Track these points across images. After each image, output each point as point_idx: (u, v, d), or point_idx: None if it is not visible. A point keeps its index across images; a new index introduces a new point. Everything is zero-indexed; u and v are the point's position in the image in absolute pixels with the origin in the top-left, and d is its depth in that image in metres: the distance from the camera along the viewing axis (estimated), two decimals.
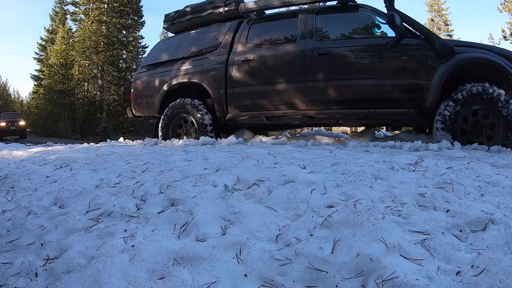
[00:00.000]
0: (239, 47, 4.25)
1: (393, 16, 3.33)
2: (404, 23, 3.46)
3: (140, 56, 30.73)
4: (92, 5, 26.34)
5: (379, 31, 3.89)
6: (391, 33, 3.65)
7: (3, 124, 19.13)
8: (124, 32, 27.76)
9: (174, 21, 4.97)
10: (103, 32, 25.59)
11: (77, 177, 2.43)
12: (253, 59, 4.09)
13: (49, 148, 4.62)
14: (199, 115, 4.34)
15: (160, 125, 4.63)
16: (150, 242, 1.48)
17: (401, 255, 1.31)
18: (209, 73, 4.32)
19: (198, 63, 4.45)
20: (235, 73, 4.17)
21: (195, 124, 4.41)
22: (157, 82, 4.72)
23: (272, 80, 3.98)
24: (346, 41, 3.84)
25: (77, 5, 28.42)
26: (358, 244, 1.38)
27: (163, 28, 5.27)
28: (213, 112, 4.37)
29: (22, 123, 20.23)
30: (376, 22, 3.84)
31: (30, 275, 1.38)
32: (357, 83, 3.61)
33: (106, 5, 26.05)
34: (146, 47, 31.55)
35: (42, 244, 1.58)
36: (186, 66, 4.51)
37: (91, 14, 25.77)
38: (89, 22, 25.71)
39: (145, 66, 5.06)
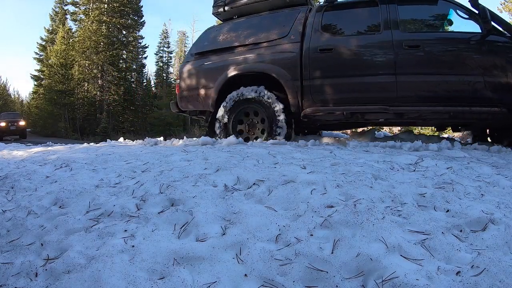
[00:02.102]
0: (313, 35, 3.84)
1: (486, 10, 3.24)
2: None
3: (140, 56, 30.77)
4: (92, 5, 26.36)
5: (451, 26, 3.81)
6: (466, 28, 3.51)
7: (3, 124, 19.11)
8: (124, 32, 27.78)
9: (226, 6, 4.48)
10: (103, 32, 25.60)
11: (77, 177, 2.42)
12: (332, 49, 3.71)
13: (49, 148, 4.62)
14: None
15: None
16: (150, 242, 1.48)
17: (401, 255, 1.31)
18: (280, 62, 3.87)
19: (263, 51, 4.00)
20: (312, 63, 3.75)
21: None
22: (212, 72, 4.21)
23: (355, 72, 3.62)
24: (434, 34, 3.67)
25: (77, 5, 28.44)
26: (358, 244, 1.38)
27: (212, 13, 4.72)
28: (285, 106, 3.87)
29: (22, 123, 20.22)
30: (449, 16, 3.75)
31: (30, 275, 1.38)
32: (449, 79, 3.40)
33: (106, 5, 26.06)
34: (146, 47, 31.68)
35: (42, 244, 1.58)
36: (248, 54, 4.06)
37: (91, 14, 25.78)
38: (89, 22, 25.73)
39: (195, 54, 4.50)
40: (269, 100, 3.83)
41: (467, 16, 3.46)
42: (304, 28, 3.93)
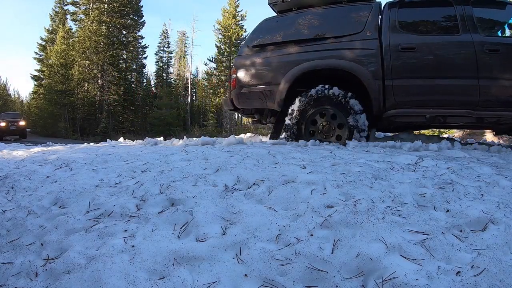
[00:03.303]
0: (391, 32, 3.65)
1: None
2: None
3: (140, 56, 30.79)
4: (92, 5, 26.38)
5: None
6: None
7: (3, 124, 19.10)
8: (124, 32, 27.80)
9: None
10: (103, 32, 25.62)
11: (77, 177, 2.42)
12: (415, 48, 3.53)
13: (49, 148, 4.62)
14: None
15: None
16: (150, 242, 1.48)
17: (401, 255, 1.31)
18: (358, 59, 3.62)
19: (336, 46, 3.74)
20: (394, 61, 3.55)
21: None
22: (279, 67, 3.88)
23: (439, 73, 3.47)
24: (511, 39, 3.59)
25: (77, 5, 28.45)
26: (358, 244, 1.38)
27: (269, 3, 4.37)
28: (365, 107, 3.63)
29: (22, 123, 20.20)
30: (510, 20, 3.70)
31: (30, 275, 1.38)
32: None
33: (106, 5, 26.08)
34: (146, 47, 31.66)
35: (42, 244, 1.58)
36: (319, 49, 3.78)
37: (91, 14, 25.80)
38: (89, 22, 25.74)
39: (252, 46, 4.14)
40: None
41: None
42: (381, 25, 3.73)
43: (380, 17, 3.80)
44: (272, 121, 4.48)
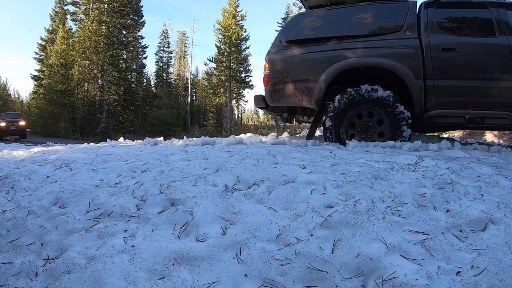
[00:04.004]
0: (430, 32, 3.63)
1: None
2: None
3: (140, 56, 30.81)
4: (92, 5, 26.39)
5: None
6: None
7: (3, 124, 19.11)
8: (124, 32, 27.83)
9: None
10: (103, 32, 25.63)
11: (77, 177, 2.42)
12: (455, 48, 3.51)
13: (49, 148, 4.62)
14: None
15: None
16: (150, 242, 1.48)
17: (401, 255, 1.31)
18: (399, 58, 3.58)
19: (375, 44, 3.70)
20: (435, 62, 3.52)
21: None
22: (317, 64, 3.79)
23: (478, 75, 3.47)
24: None
25: (77, 5, 28.46)
26: (358, 244, 1.38)
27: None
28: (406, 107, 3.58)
29: (22, 123, 20.22)
30: None
31: (30, 275, 1.38)
32: None
33: (106, 5, 26.10)
34: (146, 47, 31.66)
35: (42, 244, 1.58)
36: (357, 46, 3.74)
37: (91, 14, 25.81)
38: (89, 22, 25.76)
39: (286, 42, 4.04)
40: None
41: None
42: (419, 24, 3.71)
43: (417, 16, 3.77)
44: (305, 120, 4.41)
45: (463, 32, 3.72)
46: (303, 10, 4.78)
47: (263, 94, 4.22)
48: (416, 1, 3.93)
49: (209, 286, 1.25)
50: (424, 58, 3.54)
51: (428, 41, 3.58)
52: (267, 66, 4.04)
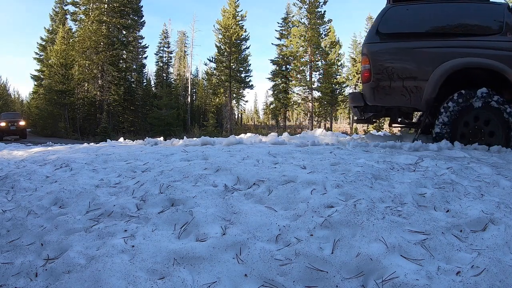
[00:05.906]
0: None
1: None
2: None
3: (140, 56, 30.80)
4: (92, 5, 26.38)
5: None
6: None
7: (3, 124, 19.11)
8: (124, 32, 27.81)
9: None
10: (103, 32, 25.62)
11: (77, 177, 2.42)
12: None
13: (49, 148, 4.62)
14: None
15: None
16: (150, 242, 1.48)
17: (401, 255, 1.31)
18: (506, 61, 3.43)
19: (480, 44, 3.55)
20: None
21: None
22: (426, 61, 3.55)
23: None
24: None
25: (77, 5, 28.43)
26: (358, 244, 1.38)
27: None
28: None
29: (22, 123, 20.21)
30: None
31: (30, 275, 1.38)
32: None
33: (106, 5, 26.08)
34: (146, 47, 31.68)
35: (42, 244, 1.58)
36: (463, 45, 3.56)
37: (91, 14, 25.79)
38: (89, 22, 25.74)
39: (385, 34, 3.74)
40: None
41: None
42: (509, 27, 3.59)
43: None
44: (401, 122, 4.17)
45: None
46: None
47: (361, 91, 3.89)
48: (508, 4, 3.86)
49: (209, 286, 1.24)
50: None
51: None
52: (367, 59, 3.67)
